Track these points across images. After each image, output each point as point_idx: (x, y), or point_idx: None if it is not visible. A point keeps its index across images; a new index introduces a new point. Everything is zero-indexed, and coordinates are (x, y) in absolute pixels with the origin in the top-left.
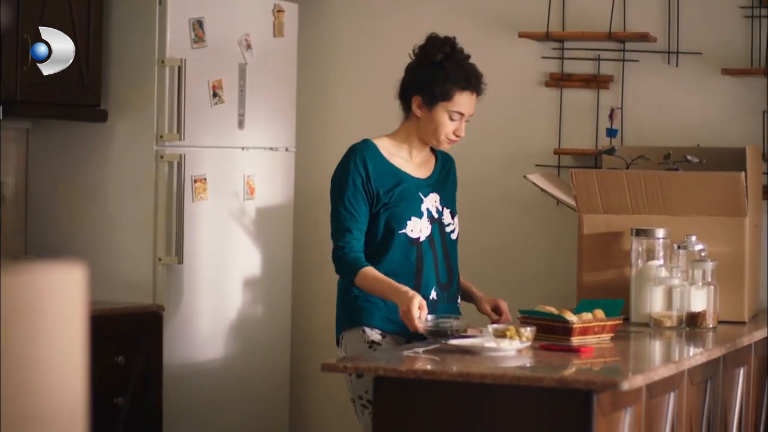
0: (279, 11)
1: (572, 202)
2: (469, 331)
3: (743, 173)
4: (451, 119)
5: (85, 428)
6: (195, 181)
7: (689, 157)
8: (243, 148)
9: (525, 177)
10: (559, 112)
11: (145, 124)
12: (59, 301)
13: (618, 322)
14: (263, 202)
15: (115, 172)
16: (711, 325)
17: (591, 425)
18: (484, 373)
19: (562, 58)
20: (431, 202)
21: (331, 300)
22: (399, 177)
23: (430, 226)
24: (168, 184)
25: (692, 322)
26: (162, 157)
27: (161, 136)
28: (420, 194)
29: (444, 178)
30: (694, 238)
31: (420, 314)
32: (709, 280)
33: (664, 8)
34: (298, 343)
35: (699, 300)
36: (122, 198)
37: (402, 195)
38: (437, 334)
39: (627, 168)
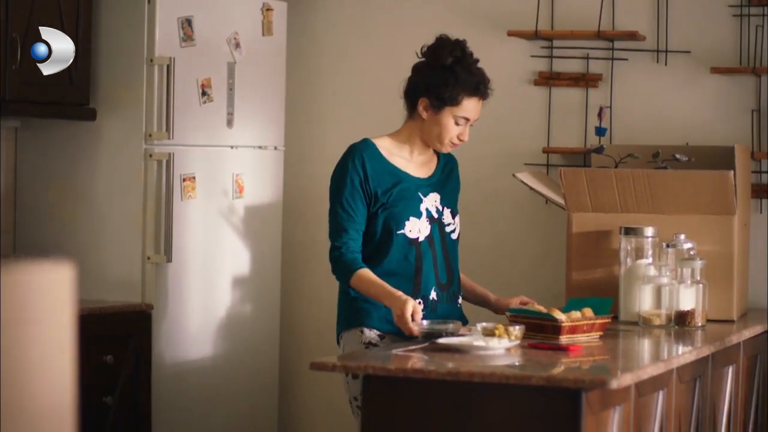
0: (268, 10)
1: (561, 201)
2: (459, 330)
3: (732, 172)
4: (457, 124)
5: (74, 427)
6: (184, 179)
7: (678, 156)
8: (232, 147)
9: (514, 176)
10: (548, 111)
11: (133, 122)
12: (48, 300)
13: (607, 320)
14: (252, 201)
15: (104, 170)
16: (700, 324)
17: (580, 424)
18: (473, 371)
19: (551, 57)
20: (431, 201)
21: (320, 298)
22: (398, 177)
23: (429, 226)
24: (157, 182)
25: (681, 320)
26: (151, 155)
27: (150, 135)
28: (419, 194)
29: (446, 177)
30: (682, 236)
31: (415, 318)
32: (698, 278)
33: (653, 7)
34: (287, 342)
35: (688, 298)
36: (111, 196)
37: (401, 195)
38: (432, 337)
39: (616, 166)
